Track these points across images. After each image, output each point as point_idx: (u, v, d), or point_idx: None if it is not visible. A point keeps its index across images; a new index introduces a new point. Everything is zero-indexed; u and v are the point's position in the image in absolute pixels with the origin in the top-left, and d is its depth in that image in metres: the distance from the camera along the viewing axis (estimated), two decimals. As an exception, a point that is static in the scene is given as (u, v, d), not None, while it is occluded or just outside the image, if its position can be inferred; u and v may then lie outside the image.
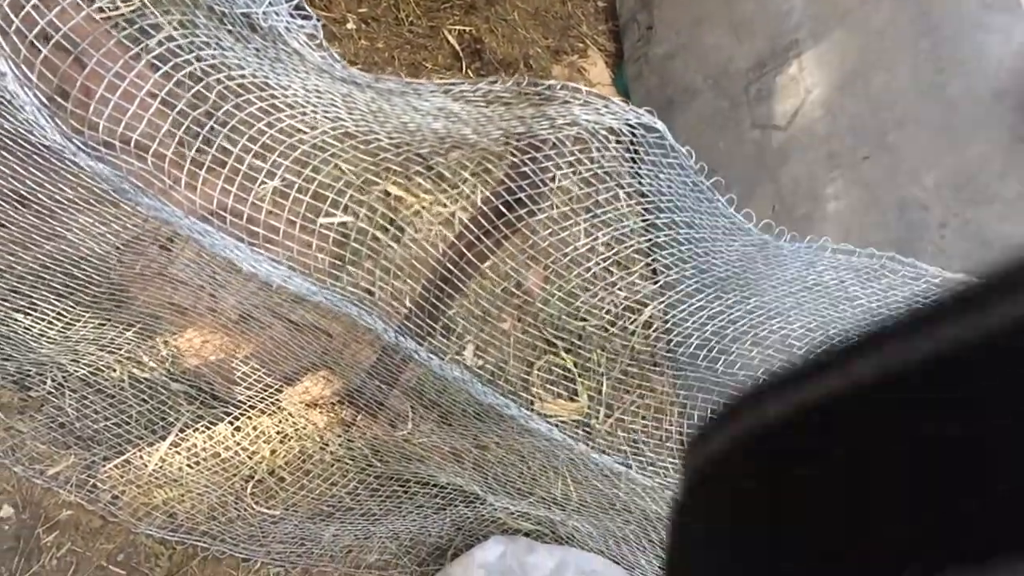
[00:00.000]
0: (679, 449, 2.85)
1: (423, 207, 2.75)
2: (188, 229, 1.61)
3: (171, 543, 2.38)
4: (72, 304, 2.24)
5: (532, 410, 3.07)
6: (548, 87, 1.54)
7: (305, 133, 1.59)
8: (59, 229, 2.08)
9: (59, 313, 2.20)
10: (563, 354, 3.11)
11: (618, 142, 1.59)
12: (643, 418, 3.04)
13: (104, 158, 1.55)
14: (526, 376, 3.09)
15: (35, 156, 1.88)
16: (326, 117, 1.58)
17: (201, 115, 1.79)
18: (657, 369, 3.05)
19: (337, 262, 2.68)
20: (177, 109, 1.81)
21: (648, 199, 1.71)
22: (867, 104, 2.85)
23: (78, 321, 2.24)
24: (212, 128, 1.78)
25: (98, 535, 2.33)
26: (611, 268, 2.43)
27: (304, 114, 1.55)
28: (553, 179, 1.61)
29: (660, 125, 1.53)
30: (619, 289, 2.18)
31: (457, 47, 3.63)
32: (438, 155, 1.71)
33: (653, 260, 1.99)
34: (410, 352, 1.77)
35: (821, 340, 2.00)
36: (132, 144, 1.70)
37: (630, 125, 1.55)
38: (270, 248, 2.03)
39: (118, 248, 2.42)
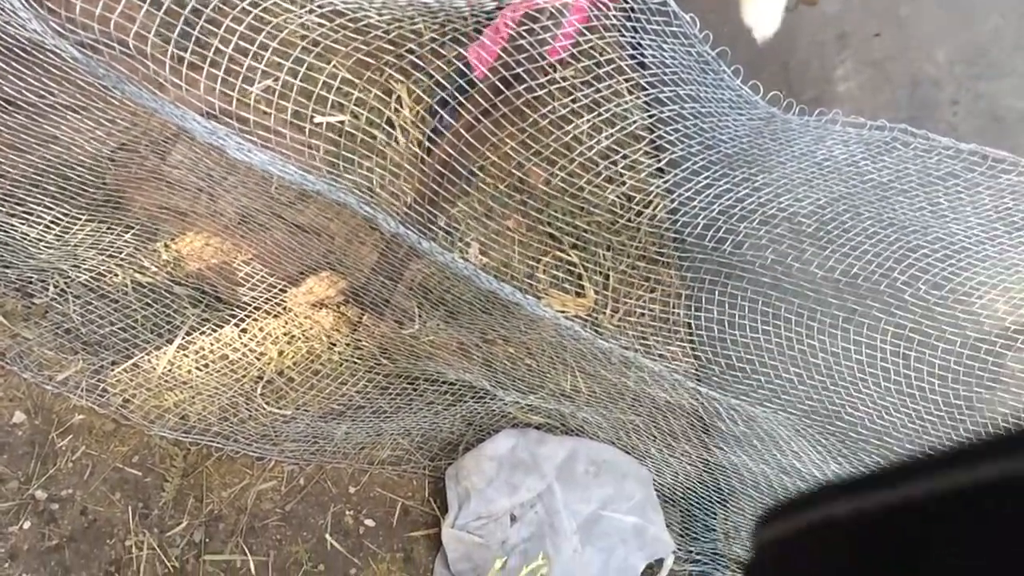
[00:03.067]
0: (686, 337, 2.84)
1: (416, 106, 2.67)
2: (179, 118, 1.56)
3: (185, 444, 2.40)
4: (68, 209, 2.21)
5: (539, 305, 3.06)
6: (544, -47, 1.46)
7: (291, 13, 1.52)
8: (50, 131, 2.03)
9: (56, 218, 2.17)
10: (569, 249, 3.08)
11: (619, 10, 1.52)
12: (650, 309, 3.03)
13: (84, 42, 1.49)
14: (531, 273, 3.06)
15: (18, 53, 1.82)
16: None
17: (185, 8, 1.72)
18: (664, 259, 3.01)
19: (333, 158, 2.63)
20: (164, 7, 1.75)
21: (651, 71, 1.64)
22: (878, -22, 2.73)
23: (75, 225, 2.21)
24: (195, 15, 1.71)
25: (112, 438, 2.35)
26: (614, 147, 2.37)
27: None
28: (553, 52, 1.54)
29: (662, -10, 1.46)
30: (622, 170, 2.12)
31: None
32: (431, 32, 1.64)
33: (657, 136, 1.93)
34: (411, 242, 1.74)
35: (831, 216, 1.96)
36: (111, 36, 1.63)
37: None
38: (266, 150, 1.98)
39: (112, 151, 2.37)
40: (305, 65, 1.83)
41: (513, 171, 2.89)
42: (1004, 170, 1.91)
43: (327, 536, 2.50)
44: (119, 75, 1.49)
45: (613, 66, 1.68)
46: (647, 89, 1.71)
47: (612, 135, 1.86)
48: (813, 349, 2.11)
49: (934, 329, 2.05)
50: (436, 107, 2.18)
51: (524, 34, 1.48)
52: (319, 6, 1.52)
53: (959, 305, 2.03)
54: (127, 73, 1.47)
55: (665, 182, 2.01)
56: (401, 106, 2.87)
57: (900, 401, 2.12)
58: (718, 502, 2.85)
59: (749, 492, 2.72)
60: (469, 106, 1.65)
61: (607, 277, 3.06)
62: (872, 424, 2.16)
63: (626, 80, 1.77)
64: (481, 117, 1.62)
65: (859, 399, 2.14)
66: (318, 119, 2.59)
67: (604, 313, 3.04)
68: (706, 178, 1.83)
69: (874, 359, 2.09)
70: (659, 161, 2.02)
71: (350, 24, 1.54)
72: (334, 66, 2.14)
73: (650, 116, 1.83)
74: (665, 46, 1.58)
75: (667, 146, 1.80)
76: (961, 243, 2.01)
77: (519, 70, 1.51)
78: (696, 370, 2.52)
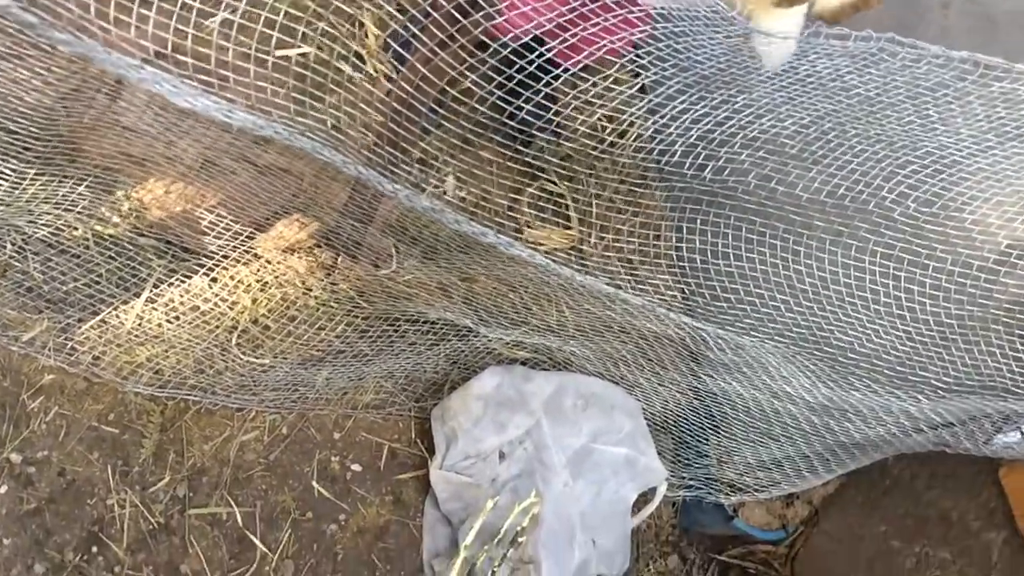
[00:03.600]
0: (673, 266, 2.77)
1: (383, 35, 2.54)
2: (112, 65, 1.45)
3: (161, 399, 2.35)
4: (17, 163, 2.10)
5: (521, 239, 2.98)
6: None
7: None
8: (-16, 81, 1.91)
9: (3, 173, 2.07)
10: (552, 179, 2.98)
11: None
12: (637, 237, 2.95)
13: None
14: (513, 204, 2.97)
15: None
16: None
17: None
18: (647, 183, 2.92)
19: (299, 95, 2.51)
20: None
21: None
22: None
23: (25, 179, 2.10)
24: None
25: (85, 396, 2.29)
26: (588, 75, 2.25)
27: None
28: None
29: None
30: (602, 91, 2.02)
31: None
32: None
33: (629, 60, 1.83)
34: (376, 184, 1.65)
35: (816, 136, 1.87)
36: None
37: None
38: (223, 88, 1.87)
39: (62, 98, 2.25)
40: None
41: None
42: (996, 77, 1.81)
43: (314, 483, 2.48)
44: (44, 21, 1.37)
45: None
46: (615, 10, 1.60)
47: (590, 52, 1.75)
48: (800, 274, 2.04)
49: (924, 248, 1.98)
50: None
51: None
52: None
53: (950, 222, 1.95)
54: (49, 19, 1.36)
55: (639, 108, 1.90)
56: (367, 36, 2.73)
57: (890, 323, 2.06)
58: (710, 428, 2.82)
59: (740, 417, 2.70)
60: (424, 38, 1.54)
61: (590, 205, 2.97)
62: (862, 347, 2.11)
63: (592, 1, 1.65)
64: (437, 49, 1.52)
65: (848, 323, 2.08)
66: (280, 52, 2.46)
67: (589, 242, 2.96)
68: (682, 102, 1.73)
69: (863, 281, 2.02)
70: (639, 82, 1.91)
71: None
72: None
73: (619, 39, 1.72)
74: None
75: (640, 70, 1.70)
76: (952, 156, 1.92)
77: (475, -5, 1.40)
78: (683, 300, 2.45)
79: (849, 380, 2.19)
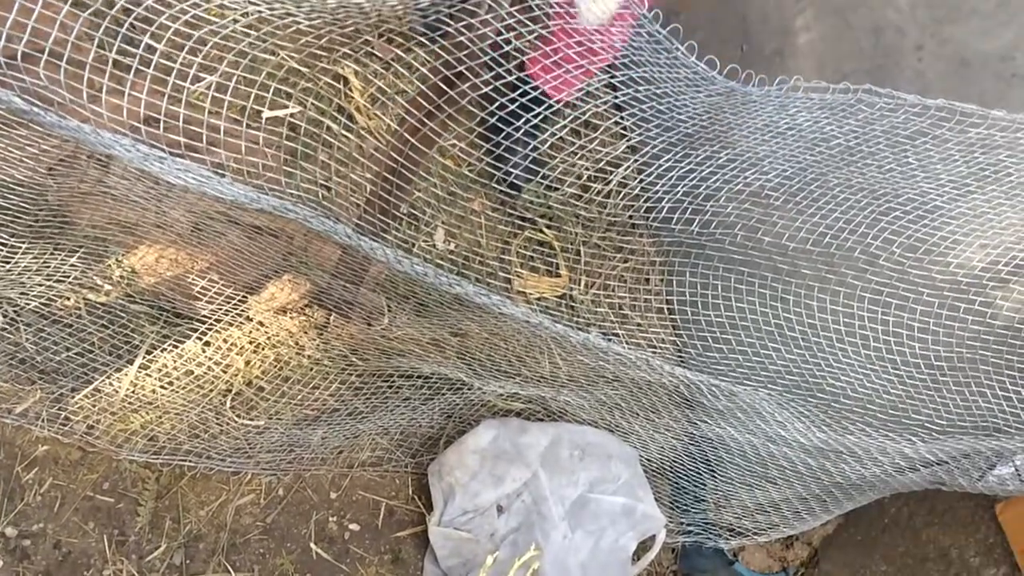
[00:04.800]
0: (667, 311, 2.79)
1: (368, 90, 2.58)
2: (102, 144, 1.47)
3: (156, 466, 2.34)
4: (7, 236, 2.11)
5: (511, 288, 3.00)
6: (476, -60, 1.37)
7: (213, 24, 1.42)
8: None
9: (-5, 247, 2.07)
10: (541, 228, 3.01)
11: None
12: (626, 284, 2.97)
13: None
14: (503, 255, 2.99)
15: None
16: (234, 3, 1.41)
17: (117, 13, 1.62)
18: (637, 232, 2.95)
19: (291, 155, 2.53)
20: (91, 10, 1.65)
21: (599, 57, 1.56)
22: (833, -77, 2.65)
23: (17, 252, 2.11)
24: (131, 26, 1.61)
25: (79, 466, 2.28)
26: (579, 129, 2.29)
27: (209, 0, 1.38)
28: (495, 47, 1.45)
29: (605, -29, 1.37)
30: (587, 153, 2.05)
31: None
32: (365, 34, 1.54)
33: (614, 123, 1.86)
34: (365, 251, 1.66)
35: (799, 187, 1.90)
36: (56, 57, 1.53)
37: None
38: (214, 151, 1.89)
39: (51, 170, 2.26)
40: (245, 64, 1.74)
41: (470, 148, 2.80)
42: (973, 123, 1.85)
43: (312, 545, 2.46)
44: (33, 105, 1.39)
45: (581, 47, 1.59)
46: (599, 76, 1.63)
47: (580, 115, 1.78)
48: (790, 321, 2.06)
49: (910, 291, 2.01)
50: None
51: (463, 30, 1.40)
52: (243, 15, 1.42)
53: (935, 266, 1.98)
54: (40, 102, 1.38)
55: (626, 168, 1.93)
56: (352, 91, 2.76)
57: (881, 367, 2.08)
58: (706, 472, 2.83)
59: (736, 461, 2.70)
60: (412, 109, 1.56)
61: (579, 253, 2.99)
62: (855, 392, 2.13)
63: (594, 57, 1.68)
64: (425, 120, 1.54)
65: (840, 368, 2.10)
66: (268, 114, 2.49)
67: (578, 288, 2.99)
68: (667, 160, 1.76)
69: (852, 327, 2.04)
70: (624, 143, 1.94)
71: (278, 32, 1.45)
72: (284, 61, 2.04)
73: (604, 103, 1.75)
74: (613, 29, 1.49)
75: (624, 132, 1.73)
76: (933, 202, 1.95)
77: (461, 68, 1.42)
78: (678, 348, 2.47)
79: (843, 424, 2.20)
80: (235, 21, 1.43)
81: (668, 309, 2.52)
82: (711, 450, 2.72)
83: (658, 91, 1.63)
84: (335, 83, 2.69)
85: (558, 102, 2.07)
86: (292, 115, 2.53)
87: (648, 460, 2.84)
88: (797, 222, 1.93)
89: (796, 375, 2.15)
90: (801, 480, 2.61)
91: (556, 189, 2.83)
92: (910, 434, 2.16)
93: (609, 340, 2.01)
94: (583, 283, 2.98)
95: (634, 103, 1.64)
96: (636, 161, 1.84)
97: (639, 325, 2.77)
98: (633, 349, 1.95)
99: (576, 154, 1.92)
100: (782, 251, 1.98)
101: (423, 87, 1.53)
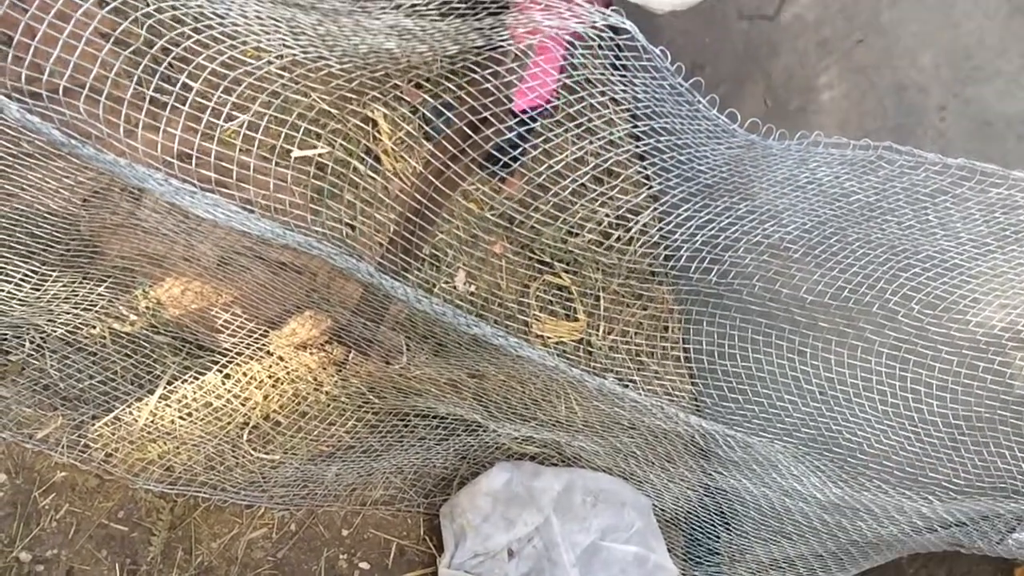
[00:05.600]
0: (683, 359, 2.79)
1: (396, 133, 2.63)
2: (136, 178, 1.51)
3: (171, 496, 2.35)
4: (39, 264, 2.16)
5: (529, 331, 3.01)
6: (506, -7, 1.41)
7: (249, 65, 1.47)
8: (10, 189, 1.98)
9: (27, 274, 2.12)
10: (560, 273, 3.03)
11: (586, 48, 1.47)
12: (644, 331, 2.98)
13: (33, 109, 1.44)
14: (522, 298, 3.02)
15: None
16: (270, 46, 1.46)
17: (156, 52, 1.68)
18: (656, 279, 2.96)
19: (316, 193, 2.58)
20: (132, 48, 1.70)
21: (623, 107, 1.59)
22: (858, -16, 2.69)
23: (48, 279, 2.16)
24: (169, 65, 1.67)
25: (96, 494, 2.30)
26: (601, 176, 2.32)
27: (245, 43, 1.43)
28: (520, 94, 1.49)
29: (629, 25, 1.41)
30: (608, 200, 2.08)
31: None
32: (394, 78, 1.59)
33: (635, 172, 1.89)
34: (386, 291, 1.69)
35: (818, 240, 1.91)
36: (96, 93, 1.58)
37: (597, 29, 1.43)
38: (243, 187, 1.93)
39: (85, 201, 2.32)
40: (275, 107, 1.79)
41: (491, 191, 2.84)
42: (993, 183, 1.85)
43: (321, 583, 2.46)
44: (73, 138, 1.44)
45: (583, 104, 1.63)
46: (620, 125, 1.66)
47: (598, 165, 1.81)
48: (807, 374, 2.06)
49: (929, 348, 2.00)
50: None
51: (489, 77, 1.43)
52: (278, 56, 1.47)
53: (954, 323, 1.98)
54: (78, 135, 1.42)
55: (646, 216, 1.96)
56: (380, 134, 2.82)
57: (898, 423, 2.07)
58: (721, 525, 2.80)
59: (751, 514, 2.67)
60: (437, 152, 1.60)
61: (598, 298, 3.01)
62: (871, 447, 2.11)
63: (598, 116, 1.72)
64: (450, 163, 1.58)
65: (857, 423, 2.09)
66: (297, 153, 2.55)
67: (597, 335, 3.00)
68: (686, 210, 1.78)
69: (869, 382, 2.04)
70: (638, 197, 1.97)
71: (310, 74, 1.49)
72: (315, 103, 2.10)
73: (625, 152, 1.78)
74: (636, 80, 1.53)
75: (644, 181, 1.76)
76: (953, 260, 1.95)
77: (486, 114, 1.46)
78: (694, 396, 2.47)
79: (860, 480, 2.18)
80: (269, 63, 1.47)
81: (685, 357, 2.52)
82: (726, 502, 2.70)
83: (679, 142, 1.66)
84: (364, 125, 2.75)
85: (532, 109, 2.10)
86: (320, 155, 2.59)
87: (662, 510, 2.82)
88: (816, 275, 1.93)
89: (812, 428, 2.14)
90: (817, 536, 2.57)
91: (576, 235, 2.86)
92: (927, 493, 2.13)
93: (625, 386, 2.02)
94: (601, 329, 2.99)
95: (655, 153, 1.67)
96: (656, 209, 1.86)
97: (656, 373, 2.77)
98: (648, 396, 1.95)
99: (596, 200, 1.95)
100: (800, 303, 1.99)
101: (449, 132, 1.56)
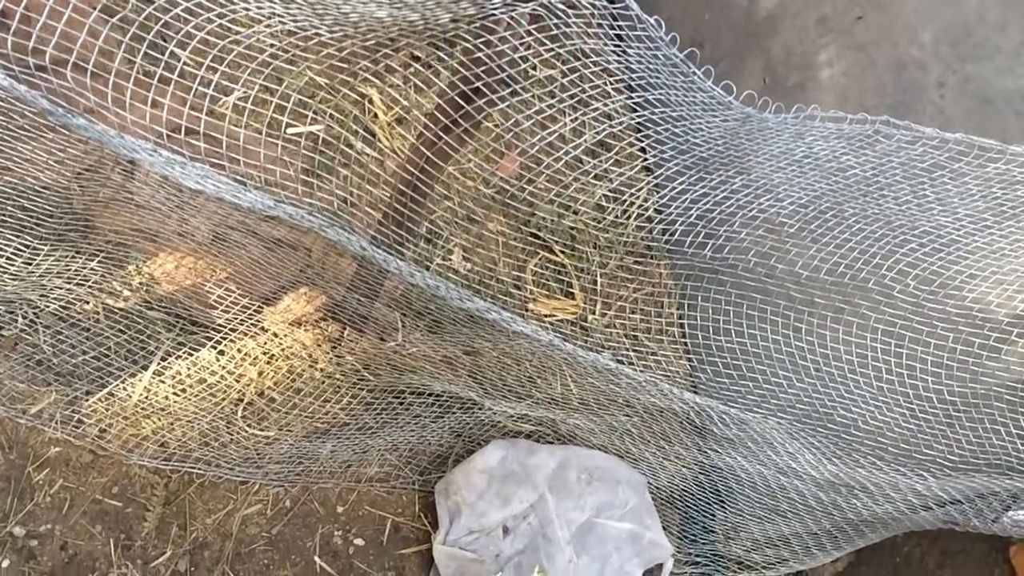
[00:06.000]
0: (679, 337, 2.78)
1: (391, 109, 2.61)
2: (126, 148, 1.50)
3: (165, 472, 2.35)
4: (32, 238, 2.15)
5: (527, 310, 3.00)
6: (498, -40, 1.39)
7: (238, 33, 1.45)
8: (2, 161, 1.97)
9: (17, 249, 2.11)
10: (556, 251, 3.02)
11: (579, 17, 1.45)
12: (642, 310, 2.97)
13: (20, 77, 1.42)
14: (519, 276, 3.00)
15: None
16: (259, 14, 1.44)
17: (148, 23, 1.66)
18: (652, 259, 2.95)
19: (309, 173, 2.57)
20: (119, 16, 1.68)
21: (616, 78, 1.58)
22: (858, -40, 2.66)
23: (39, 254, 2.15)
24: (163, 37, 1.65)
25: (90, 469, 2.30)
26: (594, 148, 2.30)
27: (234, 12, 1.41)
28: (512, 63, 1.47)
29: (623, -7, 1.39)
30: (603, 173, 2.06)
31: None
32: (384, 47, 1.57)
33: (628, 144, 1.87)
34: (380, 264, 1.68)
35: (814, 215, 1.90)
36: (86, 62, 1.57)
37: (591, -4, 1.41)
38: (236, 162, 1.92)
39: (78, 176, 2.31)
40: (268, 74, 1.77)
41: (484, 165, 2.82)
42: (991, 158, 1.84)
43: (316, 558, 2.45)
44: (59, 107, 1.43)
45: (576, 74, 1.61)
46: (613, 96, 1.65)
47: (581, 143, 1.80)
48: (802, 350, 2.05)
49: (925, 325, 1.99)
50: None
51: (481, 46, 1.42)
52: (267, 27, 1.45)
53: (950, 300, 1.97)
54: (66, 106, 1.41)
55: (639, 188, 1.94)
56: (375, 111, 2.80)
57: (893, 400, 2.06)
58: (716, 503, 2.80)
59: (747, 492, 2.67)
60: (428, 122, 1.58)
61: (595, 279, 3.00)
62: (866, 424, 2.11)
63: (591, 87, 1.70)
64: (442, 134, 1.56)
65: (852, 399, 2.09)
66: (292, 130, 2.53)
67: (593, 313, 2.99)
68: (681, 183, 1.77)
69: (865, 358, 2.03)
70: (639, 164, 1.95)
71: (300, 43, 1.47)
72: (305, 74, 2.08)
73: (619, 124, 1.76)
74: (630, 50, 1.51)
75: (639, 153, 1.74)
76: (950, 235, 1.94)
77: (478, 84, 1.44)
78: (690, 373, 2.46)
79: (854, 456, 2.18)
80: (260, 32, 1.46)
81: (681, 335, 2.51)
82: (721, 480, 2.70)
83: (674, 114, 1.64)
84: (359, 99, 2.73)
85: None
86: (314, 131, 2.57)
87: (657, 488, 2.82)
88: (811, 251, 1.92)
89: (807, 404, 2.13)
90: (812, 514, 2.57)
91: (573, 211, 2.84)
92: (922, 470, 2.13)
93: (620, 363, 2.01)
94: (598, 307, 2.98)
95: (650, 124, 1.65)
96: (650, 183, 1.84)
97: (650, 350, 2.77)
98: (643, 372, 1.94)
99: (590, 173, 1.93)
100: (796, 279, 1.98)
101: (440, 102, 1.55)
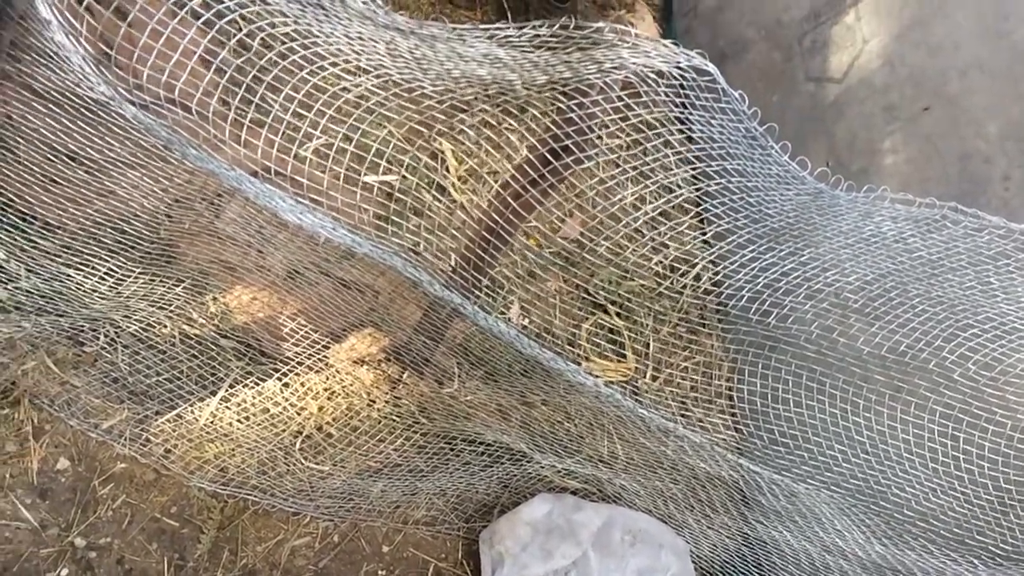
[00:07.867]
0: (728, 408, 2.81)
1: (469, 161, 2.72)
2: (235, 180, 1.60)
3: (222, 496, 2.42)
4: (123, 261, 2.26)
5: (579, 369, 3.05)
6: (596, 30, 1.49)
7: (348, 81, 1.56)
8: (109, 186, 2.09)
9: (110, 270, 2.23)
10: (612, 315, 3.08)
11: (668, 86, 1.54)
12: (692, 377, 3.00)
13: (149, 107, 1.54)
14: (572, 336, 3.06)
15: (84, 111, 1.88)
16: (369, 65, 1.55)
17: (244, 66, 1.78)
18: (706, 328, 3.00)
19: (381, 220, 2.67)
20: (220, 58, 1.80)
21: (699, 146, 1.66)
22: (927, 53, 2.74)
23: (128, 277, 2.26)
24: (256, 80, 1.77)
25: (152, 488, 2.37)
26: (659, 218, 2.37)
27: (347, 62, 1.53)
28: (602, 126, 1.56)
29: (712, 68, 1.48)
30: (668, 241, 2.13)
31: (504, 4, 3.57)
32: (483, 103, 1.67)
33: (703, 210, 1.94)
34: (455, 304, 1.75)
35: (878, 292, 1.95)
36: (176, 98, 1.69)
37: (680, 68, 1.50)
38: (317, 204, 2.02)
39: (167, 205, 2.44)
40: (359, 128, 1.88)
41: (549, 231, 2.91)
42: (1057, 251, 1.88)
43: (359, 596, 2.49)
44: (181, 138, 1.54)
45: (660, 140, 1.69)
46: (694, 163, 1.72)
47: (658, 207, 1.87)
48: (858, 426, 2.07)
49: (984, 410, 2.01)
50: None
51: (573, 107, 1.51)
52: (376, 76, 1.56)
53: (1010, 387, 1.98)
54: (186, 136, 1.52)
55: (711, 253, 2.00)
56: (448, 168, 2.92)
57: (948, 483, 2.06)
58: (757, 577, 2.78)
59: (790, 569, 2.66)
60: (517, 175, 1.67)
61: (648, 344, 3.05)
62: (918, 506, 2.11)
63: (674, 153, 1.78)
64: (529, 187, 1.65)
65: (905, 480, 2.09)
66: (368, 178, 2.65)
67: (644, 376, 3.03)
68: (752, 251, 1.83)
69: (921, 439, 2.04)
70: (705, 233, 2.02)
71: (404, 93, 1.58)
72: (388, 132, 2.19)
73: (696, 190, 1.84)
74: (713, 121, 1.59)
75: (713, 219, 1.81)
76: (1012, 324, 1.97)
77: (568, 142, 1.53)
78: (738, 442, 2.48)
79: (904, 538, 2.17)
80: (367, 81, 1.56)
81: (730, 405, 2.54)
82: (764, 554, 2.69)
83: (749, 184, 1.71)
84: (432, 160, 2.85)
85: None
86: (390, 182, 2.69)
87: (699, 556, 2.81)
88: (874, 327, 1.96)
89: (860, 481, 2.14)
90: (855, 596, 2.55)
91: (631, 279, 2.91)
92: (973, 557, 2.12)
93: (675, 422, 2.05)
94: (648, 372, 3.02)
95: (725, 193, 1.72)
96: (713, 254, 1.91)
97: (698, 416, 2.79)
98: (696, 432, 1.98)
99: (652, 243, 2.00)
100: (856, 355, 2.01)
101: (531, 156, 1.64)
